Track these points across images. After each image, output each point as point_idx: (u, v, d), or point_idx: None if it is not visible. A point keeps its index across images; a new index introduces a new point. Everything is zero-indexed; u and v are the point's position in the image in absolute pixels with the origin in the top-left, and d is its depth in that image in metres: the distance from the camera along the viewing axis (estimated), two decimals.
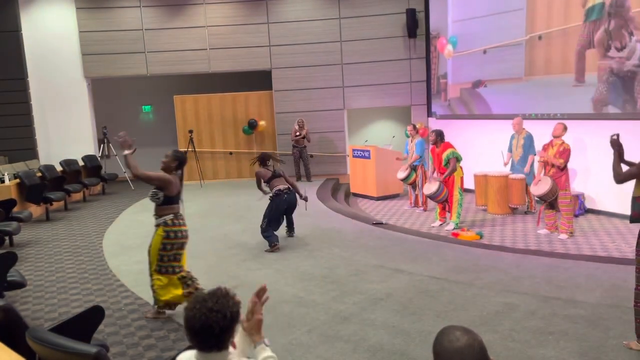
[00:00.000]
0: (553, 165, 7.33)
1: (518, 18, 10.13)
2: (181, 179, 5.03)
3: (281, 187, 7.34)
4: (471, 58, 11.34)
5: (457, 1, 11.73)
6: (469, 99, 11.51)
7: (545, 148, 7.54)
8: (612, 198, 8.57)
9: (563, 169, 7.30)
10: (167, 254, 4.93)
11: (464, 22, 11.54)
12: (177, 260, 4.99)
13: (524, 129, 8.94)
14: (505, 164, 9.11)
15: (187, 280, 5.01)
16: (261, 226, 7.31)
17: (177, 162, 4.98)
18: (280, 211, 7.40)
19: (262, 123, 13.49)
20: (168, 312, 5.13)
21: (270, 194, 7.40)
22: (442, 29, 12.12)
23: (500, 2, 10.55)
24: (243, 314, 2.19)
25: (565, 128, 7.45)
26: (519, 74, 10.23)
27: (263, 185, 7.57)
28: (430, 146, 8.58)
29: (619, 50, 8.27)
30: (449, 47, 11.84)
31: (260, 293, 2.26)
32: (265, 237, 7.26)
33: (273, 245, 7.17)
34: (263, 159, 7.57)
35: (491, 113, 10.78)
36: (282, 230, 7.68)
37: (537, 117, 9.69)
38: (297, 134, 12.89)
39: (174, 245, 4.93)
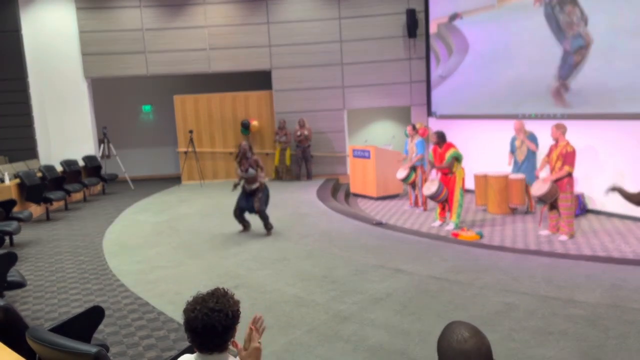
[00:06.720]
0: (570, 174, 7.19)
1: None
2: None
3: None
4: None
5: None
6: (447, 34, 11.80)
7: (552, 149, 7.41)
8: (612, 198, 8.55)
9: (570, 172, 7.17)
10: None
11: None
12: None
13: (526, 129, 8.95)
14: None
15: None
16: (264, 212, 7.92)
17: None
18: None
19: (254, 123, 13.47)
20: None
21: (264, 181, 8.02)
22: None
23: None
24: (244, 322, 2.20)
25: (562, 127, 7.28)
26: (491, 1, 10.58)
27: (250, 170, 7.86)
28: (432, 146, 8.58)
29: None
30: None
31: (257, 322, 2.22)
32: (269, 222, 7.98)
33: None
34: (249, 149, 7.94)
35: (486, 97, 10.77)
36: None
37: (536, 116, 9.68)
38: (298, 133, 12.91)
39: None
